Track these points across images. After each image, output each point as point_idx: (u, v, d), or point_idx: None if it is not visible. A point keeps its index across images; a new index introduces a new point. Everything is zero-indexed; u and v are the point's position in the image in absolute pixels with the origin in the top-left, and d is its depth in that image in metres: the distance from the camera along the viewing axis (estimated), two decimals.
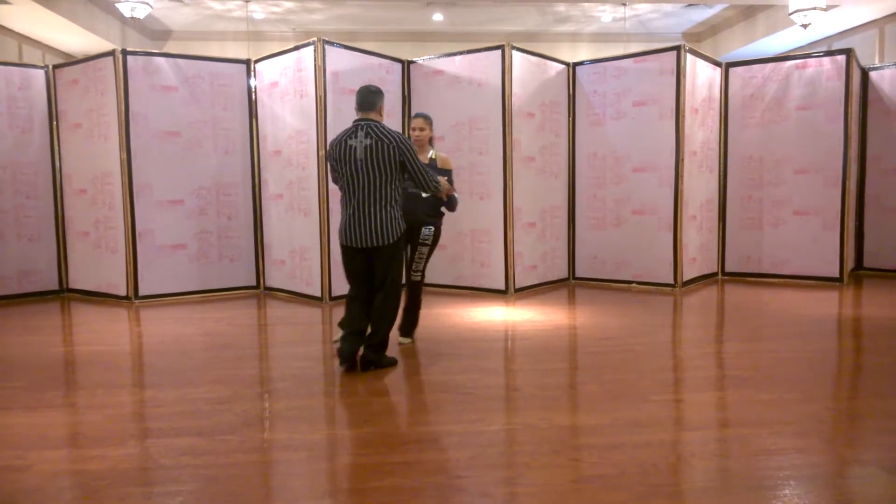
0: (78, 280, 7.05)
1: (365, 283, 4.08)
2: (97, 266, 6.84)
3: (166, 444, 2.94)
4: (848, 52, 7.04)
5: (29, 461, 2.76)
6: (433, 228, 4.53)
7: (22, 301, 6.81)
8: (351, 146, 3.91)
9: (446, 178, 4.36)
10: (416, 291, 4.68)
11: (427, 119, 4.60)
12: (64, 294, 7.10)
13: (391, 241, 3.96)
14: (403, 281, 4.32)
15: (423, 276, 4.65)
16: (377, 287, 4.07)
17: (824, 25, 10.35)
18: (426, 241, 4.52)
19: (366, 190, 3.92)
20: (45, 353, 4.68)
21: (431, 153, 4.60)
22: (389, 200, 3.95)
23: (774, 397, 3.48)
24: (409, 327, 4.75)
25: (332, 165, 4.09)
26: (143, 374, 4.25)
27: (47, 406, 3.51)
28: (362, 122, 3.95)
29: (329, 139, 6.25)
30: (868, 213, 7.87)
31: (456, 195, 4.56)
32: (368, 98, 3.98)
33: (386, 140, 3.87)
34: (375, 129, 3.91)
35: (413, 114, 4.52)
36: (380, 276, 4.05)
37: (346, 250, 4.07)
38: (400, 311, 4.36)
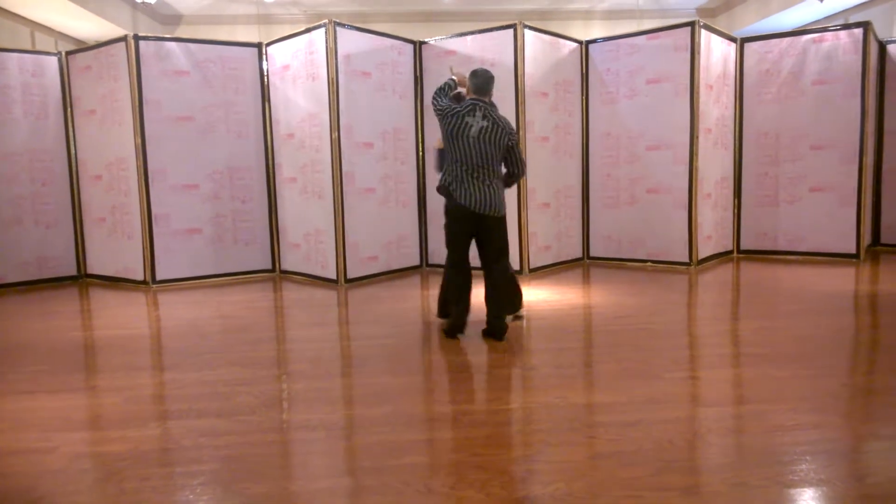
0: (96, 265, 7.13)
1: (466, 253, 4.35)
2: (114, 251, 6.91)
3: (186, 425, 2.99)
4: (865, 26, 6.91)
5: (53, 443, 2.82)
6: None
7: (41, 287, 6.90)
8: (467, 123, 4.14)
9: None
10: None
11: None
12: (82, 279, 7.19)
13: (499, 213, 4.24)
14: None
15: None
16: (492, 259, 4.32)
17: None
18: None
19: (481, 165, 4.16)
20: (66, 338, 4.75)
21: None
22: (499, 176, 4.23)
23: (790, 373, 3.47)
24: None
25: (443, 130, 4.28)
26: (161, 357, 4.31)
27: (69, 389, 3.57)
28: (480, 104, 4.18)
29: (342, 122, 6.28)
30: (885, 188, 7.78)
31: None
32: (487, 85, 4.23)
33: (501, 125, 4.16)
34: (492, 114, 4.18)
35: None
36: (493, 248, 4.30)
37: (465, 214, 4.21)
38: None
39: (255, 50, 7.02)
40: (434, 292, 6.11)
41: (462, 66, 6.79)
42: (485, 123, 4.13)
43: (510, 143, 4.18)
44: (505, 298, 4.37)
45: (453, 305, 4.37)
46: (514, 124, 6.55)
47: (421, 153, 7.14)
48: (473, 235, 4.30)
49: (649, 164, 7.01)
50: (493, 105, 4.28)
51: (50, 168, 6.97)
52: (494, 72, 6.48)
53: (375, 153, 6.71)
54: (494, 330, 4.31)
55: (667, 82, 6.81)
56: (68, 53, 7.02)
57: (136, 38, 6.49)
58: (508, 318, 4.60)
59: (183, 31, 12.73)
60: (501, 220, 4.29)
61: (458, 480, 2.40)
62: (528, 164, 6.59)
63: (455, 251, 4.34)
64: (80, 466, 2.60)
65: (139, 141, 6.49)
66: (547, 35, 6.88)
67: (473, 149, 4.14)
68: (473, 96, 4.23)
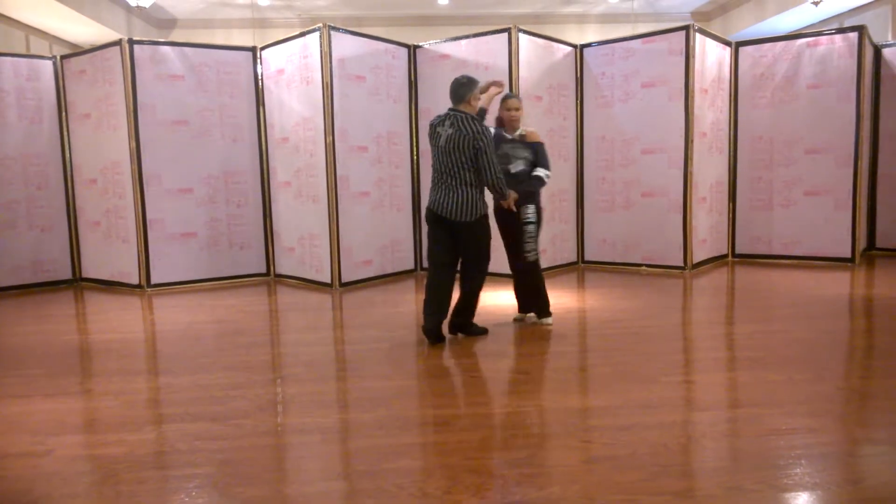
0: (91, 269, 7.11)
1: (443, 255, 4.37)
2: (109, 255, 6.90)
3: (182, 428, 2.98)
4: (860, 30, 6.95)
5: (49, 446, 2.81)
6: (534, 207, 4.64)
7: (36, 290, 6.88)
8: (438, 132, 4.32)
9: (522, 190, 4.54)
10: (534, 271, 4.76)
11: (520, 99, 4.82)
12: (77, 283, 7.17)
13: (469, 219, 4.25)
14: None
15: (537, 254, 4.72)
16: (466, 265, 4.42)
17: (836, 2, 10.24)
18: (530, 220, 4.64)
19: (447, 171, 4.28)
20: (61, 342, 4.74)
21: (520, 130, 4.70)
22: (466, 183, 4.25)
23: (785, 378, 3.48)
24: (540, 307, 4.86)
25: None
26: (157, 361, 4.30)
27: (65, 393, 3.56)
28: (451, 112, 4.30)
29: (336, 125, 6.29)
30: (881, 192, 7.82)
31: (543, 173, 4.66)
32: (458, 91, 4.29)
33: (465, 132, 4.19)
34: (460, 121, 4.23)
35: (504, 95, 4.77)
36: (466, 253, 4.39)
37: (429, 216, 4.39)
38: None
39: (250, 54, 7.02)
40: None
41: (457, 70, 6.81)
42: (450, 132, 4.23)
43: (475, 149, 4.17)
44: (472, 305, 4.46)
45: (427, 305, 4.35)
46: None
47: (415, 157, 7.15)
48: (450, 239, 4.35)
49: (644, 167, 7.03)
50: (467, 112, 4.29)
51: (44, 172, 6.95)
52: (489, 75, 6.57)
53: (370, 157, 6.72)
54: (453, 328, 4.49)
55: (661, 86, 6.83)
56: (63, 57, 7.01)
57: (131, 42, 6.49)
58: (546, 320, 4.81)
59: (177, 35, 12.73)
60: (471, 227, 4.28)
61: (452, 484, 2.40)
62: None
63: (430, 252, 4.46)
64: (77, 469, 2.60)
65: (134, 145, 6.48)
66: (541, 39, 6.90)
67: (441, 156, 4.29)
68: (452, 106, 4.33)
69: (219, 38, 12.12)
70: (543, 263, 7.00)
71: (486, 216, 4.34)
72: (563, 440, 2.77)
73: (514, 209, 4.54)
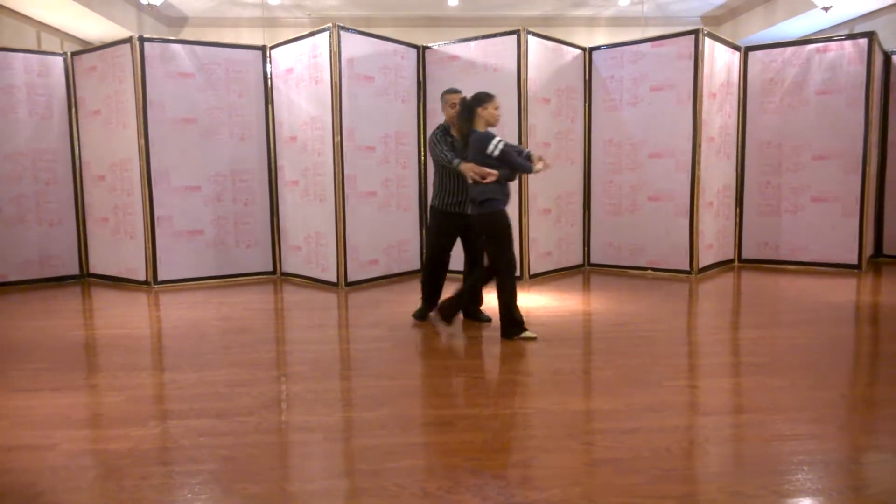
0: (98, 265, 7.15)
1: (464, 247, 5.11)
2: (117, 251, 6.93)
3: (186, 425, 3.00)
4: (870, 36, 6.92)
5: (54, 440, 2.83)
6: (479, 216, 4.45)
7: (43, 286, 6.92)
8: None
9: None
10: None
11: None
12: (84, 279, 7.21)
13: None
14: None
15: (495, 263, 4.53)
16: None
17: (846, 8, 10.19)
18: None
19: None
20: (67, 337, 4.76)
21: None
22: (434, 182, 4.98)
23: (790, 383, 3.47)
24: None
25: None
26: (162, 357, 4.32)
27: (70, 387, 3.58)
28: None
29: (344, 125, 6.31)
30: (888, 199, 7.78)
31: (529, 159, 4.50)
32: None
33: None
34: None
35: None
36: None
37: None
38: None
39: (259, 53, 7.04)
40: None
41: (465, 71, 6.82)
42: None
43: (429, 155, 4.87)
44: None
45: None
46: (515, 128, 6.57)
47: (422, 157, 7.16)
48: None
49: (651, 171, 7.01)
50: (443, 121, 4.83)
51: (53, 168, 6.99)
52: (497, 77, 6.62)
53: (377, 157, 6.73)
54: None
55: (670, 90, 6.82)
56: (73, 54, 7.05)
57: (141, 39, 6.52)
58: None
59: (188, 34, 12.78)
60: None
61: (454, 484, 2.40)
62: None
63: None
64: (81, 463, 2.61)
65: (143, 142, 6.51)
66: (550, 41, 6.90)
67: None
68: None
69: (229, 36, 12.16)
70: (548, 266, 7.04)
71: (432, 210, 4.95)
72: (565, 442, 2.77)
73: (481, 178, 4.28)
